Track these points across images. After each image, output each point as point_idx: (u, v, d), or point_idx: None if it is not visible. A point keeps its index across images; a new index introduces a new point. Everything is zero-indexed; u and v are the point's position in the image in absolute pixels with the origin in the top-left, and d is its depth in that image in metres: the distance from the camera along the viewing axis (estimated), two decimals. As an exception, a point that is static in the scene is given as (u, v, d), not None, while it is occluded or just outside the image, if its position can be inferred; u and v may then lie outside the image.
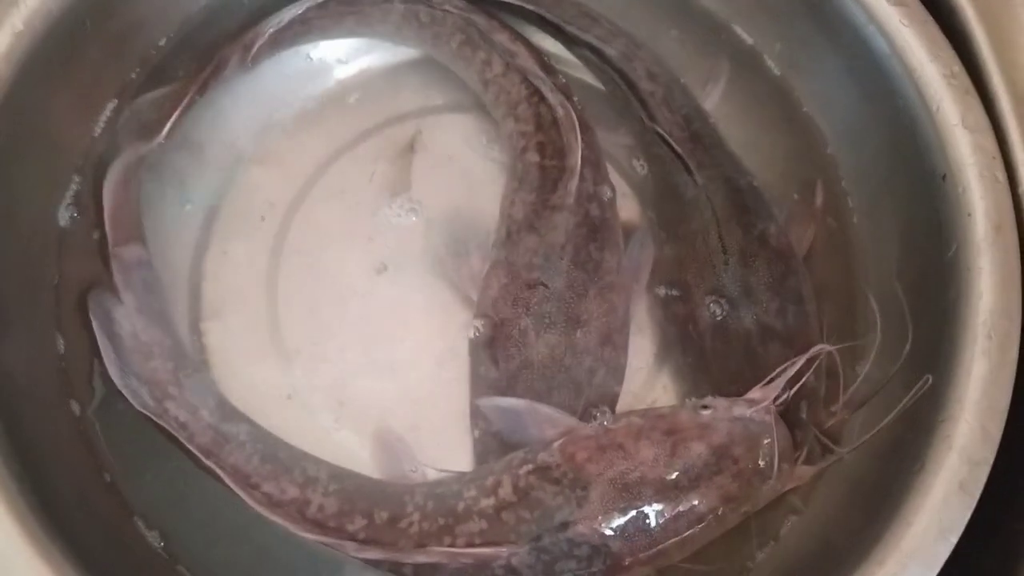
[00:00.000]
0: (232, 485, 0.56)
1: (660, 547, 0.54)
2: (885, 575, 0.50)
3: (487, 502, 0.55)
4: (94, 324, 0.59)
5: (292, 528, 0.55)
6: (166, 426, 0.57)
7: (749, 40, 0.72)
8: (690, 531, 0.54)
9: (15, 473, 0.51)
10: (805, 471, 0.56)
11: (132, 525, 0.59)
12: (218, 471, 0.57)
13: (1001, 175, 0.57)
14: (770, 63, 0.71)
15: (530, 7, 0.69)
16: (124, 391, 0.58)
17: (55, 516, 0.52)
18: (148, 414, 0.58)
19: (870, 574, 0.50)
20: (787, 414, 0.57)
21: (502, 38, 0.68)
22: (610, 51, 0.68)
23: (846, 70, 0.66)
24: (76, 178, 0.64)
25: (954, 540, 0.51)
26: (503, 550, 0.53)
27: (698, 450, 0.54)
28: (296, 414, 0.64)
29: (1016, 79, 0.59)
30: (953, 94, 0.59)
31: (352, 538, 0.55)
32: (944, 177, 0.58)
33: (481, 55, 0.68)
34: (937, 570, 0.50)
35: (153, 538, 0.59)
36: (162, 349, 0.60)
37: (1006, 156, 0.58)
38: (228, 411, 0.60)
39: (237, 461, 0.57)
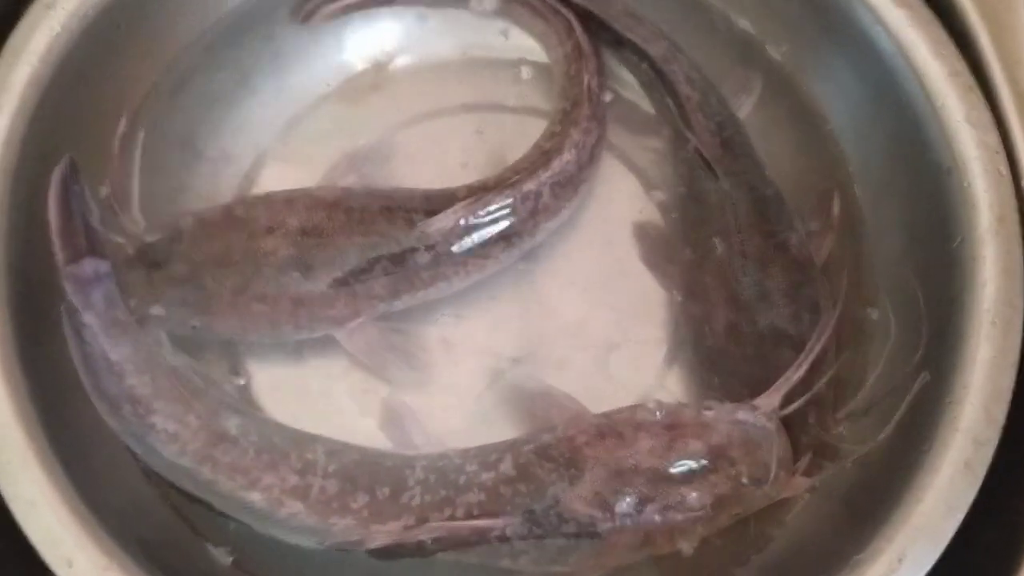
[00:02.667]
0: (224, 510, 0.57)
1: (646, 534, 0.55)
2: (895, 550, 0.52)
3: (488, 476, 0.56)
4: (71, 350, 0.57)
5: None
6: (148, 456, 0.57)
7: (752, 31, 0.72)
8: (677, 524, 0.55)
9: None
10: (801, 482, 0.57)
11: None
12: (209, 499, 0.57)
13: (1004, 169, 0.59)
14: (774, 54, 0.72)
15: (582, 3, 0.71)
16: (105, 417, 0.57)
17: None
18: (129, 445, 0.57)
19: (880, 550, 0.52)
20: (794, 419, 0.58)
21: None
22: (652, 52, 0.70)
23: (853, 69, 0.67)
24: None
25: (960, 517, 0.52)
26: (499, 521, 0.55)
27: (695, 447, 0.55)
28: (318, 400, 0.65)
29: (1018, 76, 0.61)
30: (957, 91, 0.60)
31: (356, 516, 0.55)
32: (949, 171, 0.60)
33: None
34: (944, 545, 0.52)
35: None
36: (135, 365, 0.57)
37: (1008, 150, 0.59)
38: (214, 405, 0.59)
39: (234, 459, 0.57)
